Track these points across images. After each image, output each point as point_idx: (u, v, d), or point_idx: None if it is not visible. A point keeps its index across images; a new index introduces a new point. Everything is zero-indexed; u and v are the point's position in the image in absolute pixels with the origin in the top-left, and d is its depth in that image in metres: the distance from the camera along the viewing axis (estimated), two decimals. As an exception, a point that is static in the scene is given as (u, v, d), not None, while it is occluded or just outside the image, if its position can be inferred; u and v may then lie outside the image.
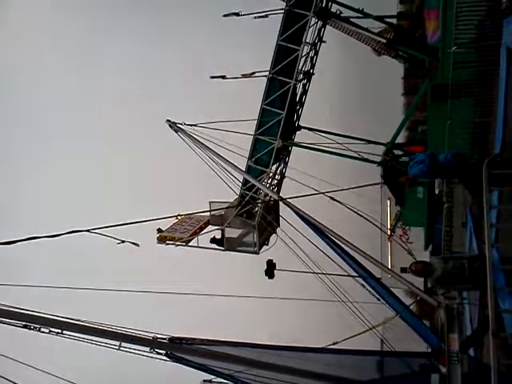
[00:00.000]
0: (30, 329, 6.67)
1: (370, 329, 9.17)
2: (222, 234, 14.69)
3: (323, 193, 11.80)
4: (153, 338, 7.26)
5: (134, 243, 8.45)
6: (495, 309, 5.38)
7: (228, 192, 14.09)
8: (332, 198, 12.90)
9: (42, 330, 6.76)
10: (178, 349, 7.37)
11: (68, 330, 6.89)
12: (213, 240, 14.77)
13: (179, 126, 14.64)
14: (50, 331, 6.79)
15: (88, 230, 7.59)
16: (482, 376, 6.49)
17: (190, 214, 13.50)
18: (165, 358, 7.31)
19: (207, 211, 14.12)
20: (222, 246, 14.67)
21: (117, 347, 7.07)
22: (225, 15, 15.37)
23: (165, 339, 7.39)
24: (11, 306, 6.53)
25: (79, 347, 6.95)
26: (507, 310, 6.42)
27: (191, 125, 14.42)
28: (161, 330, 7.38)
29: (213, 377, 8.13)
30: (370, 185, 12.33)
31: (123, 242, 8.32)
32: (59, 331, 6.81)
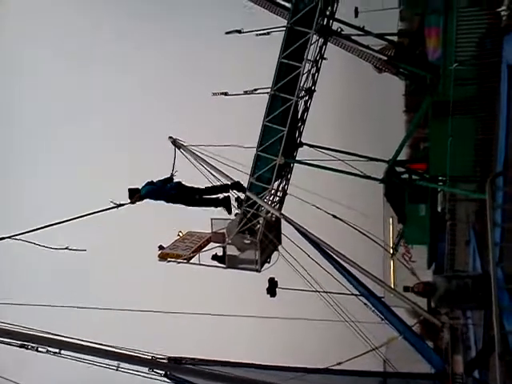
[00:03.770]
0: (28, 348, 6.58)
1: (374, 349, 9.02)
2: (224, 252, 14.56)
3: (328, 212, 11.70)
4: (152, 357, 7.15)
5: (79, 250, 8.35)
6: (501, 330, 5.27)
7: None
8: (335, 216, 12.81)
9: (40, 349, 6.67)
10: (177, 369, 7.26)
11: (66, 350, 6.79)
12: (214, 257, 14.62)
13: (181, 142, 14.64)
14: (48, 351, 6.70)
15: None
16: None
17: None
18: (164, 378, 7.18)
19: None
20: (224, 264, 14.53)
21: (115, 367, 6.96)
22: (227, 32, 15.48)
23: (164, 359, 7.27)
24: (7, 324, 6.45)
25: (72, 365, 6.84)
26: (513, 331, 6.29)
27: (192, 145, 14.44)
28: (160, 349, 7.27)
29: (213, 398, 7.98)
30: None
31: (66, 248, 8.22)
32: (57, 351, 6.71)
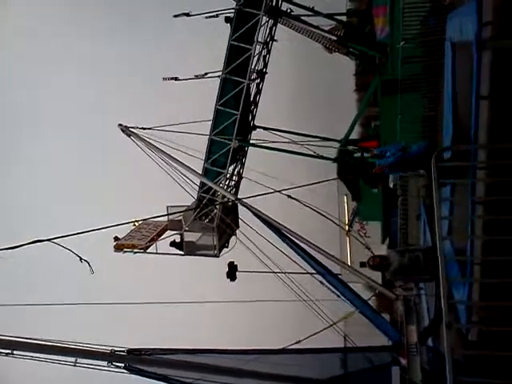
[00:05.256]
0: (-23, 351, 6.33)
1: (331, 325, 9.21)
2: (181, 239, 14.46)
3: (279, 191, 11.73)
4: (110, 351, 7.02)
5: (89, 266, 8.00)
6: (448, 300, 5.45)
7: (185, 196, 13.87)
8: (289, 197, 12.89)
9: (-10, 352, 6.43)
10: (137, 360, 7.16)
11: (19, 350, 6.57)
12: (172, 244, 14.52)
13: (132, 130, 14.30)
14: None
15: (49, 240, 7.21)
16: (441, 365, 6.60)
17: (147, 218, 13.14)
18: (124, 371, 7.09)
19: (163, 215, 13.74)
20: (182, 250, 14.45)
21: (73, 363, 6.80)
22: (175, 16, 15.13)
23: (123, 351, 7.16)
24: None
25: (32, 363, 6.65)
26: (459, 300, 6.54)
27: (144, 128, 14.09)
28: (118, 342, 7.15)
29: (174, 387, 7.96)
30: (325, 181, 12.37)
31: (86, 261, 7.88)
32: (9, 351, 6.49)
